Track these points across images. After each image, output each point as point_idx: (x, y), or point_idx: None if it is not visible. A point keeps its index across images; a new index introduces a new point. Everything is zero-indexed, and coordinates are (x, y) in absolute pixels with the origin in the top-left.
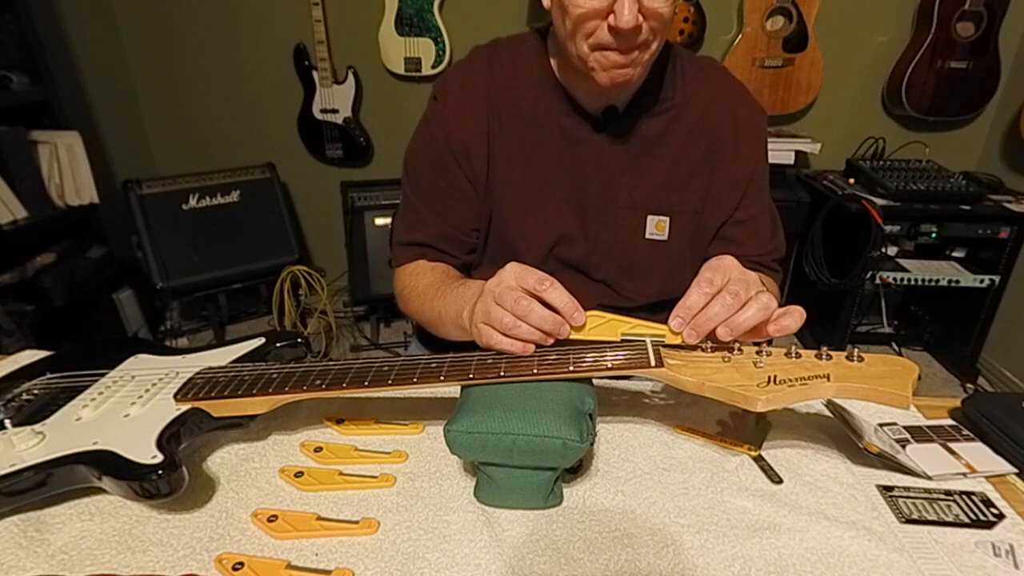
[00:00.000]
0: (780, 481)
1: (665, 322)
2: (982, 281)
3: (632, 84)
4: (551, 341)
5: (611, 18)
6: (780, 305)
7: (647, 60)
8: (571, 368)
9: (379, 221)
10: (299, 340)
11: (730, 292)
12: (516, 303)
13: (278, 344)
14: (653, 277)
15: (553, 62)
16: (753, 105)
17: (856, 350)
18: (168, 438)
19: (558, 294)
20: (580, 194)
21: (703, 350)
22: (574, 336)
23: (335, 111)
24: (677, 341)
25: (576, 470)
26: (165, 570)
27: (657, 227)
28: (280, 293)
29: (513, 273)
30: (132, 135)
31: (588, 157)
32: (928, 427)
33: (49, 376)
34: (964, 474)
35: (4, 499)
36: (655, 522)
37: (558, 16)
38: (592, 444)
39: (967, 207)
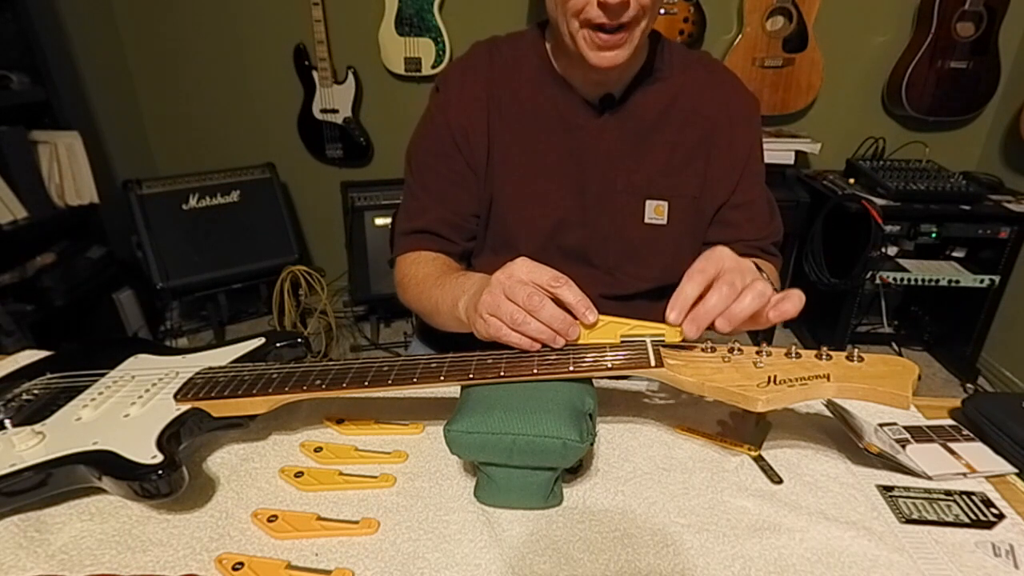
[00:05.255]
0: (780, 481)
1: (664, 311)
2: (982, 281)
3: (624, 67)
4: (561, 343)
5: None
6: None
7: (636, 41)
8: (571, 368)
9: (379, 221)
10: (299, 340)
11: (726, 282)
12: (529, 297)
13: (278, 344)
14: (653, 262)
15: (551, 52)
16: (747, 93)
17: (856, 350)
18: (168, 438)
19: (572, 292)
20: (579, 180)
21: (703, 350)
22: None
23: (335, 111)
24: (677, 340)
25: (576, 470)
26: (165, 570)
27: (656, 211)
28: (280, 293)
29: (525, 268)
30: (132, 135)
31: (587, 143)
32: (928, 427)
33: (49, 376)
34: (964, 474)
35: (4, 499)
36: (655, 522)
37: None
38: (592, 444)
39: (967, 207)
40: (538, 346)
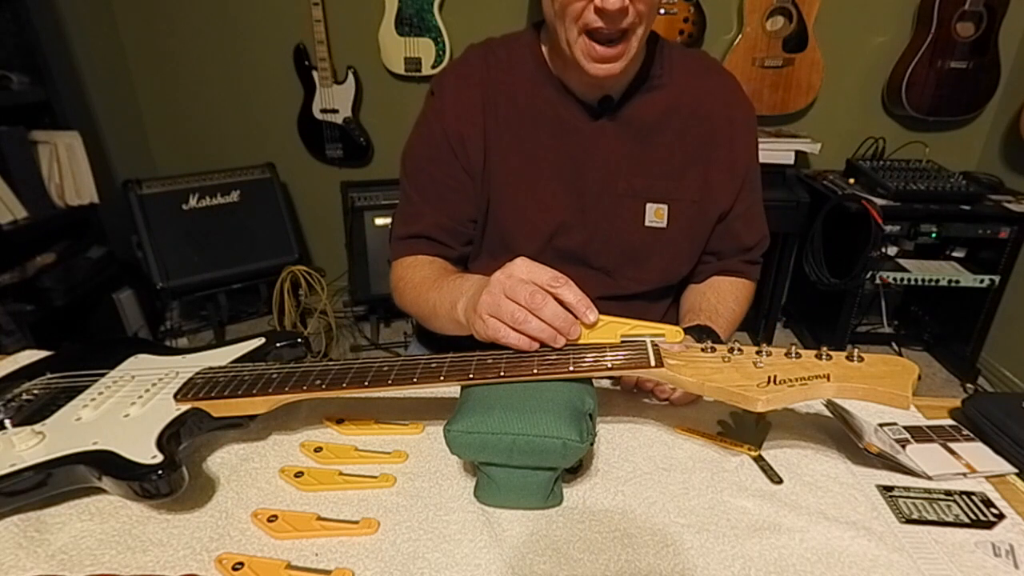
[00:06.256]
0: (780, 481)
1: (664, 310)
2: (982, 281)
3: (622, 72)
4: (562, 342)
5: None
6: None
7: (633, 51)
8: (571, 368)
9: (379, 221)
10: (299, 340)
11: None
12: (531, 296)
13: (278, 344)
14: (652, 264)
15: (547, 54)
16: (745, 98)
17: (856, 350)
18: (168, 438)
19: (572, 291)
20: (578, 183)
21: (703, 350)
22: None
23: (335, 111)
24: (677, 340)
25: (576, 470)
26: (165, 570)
27: (656, 215)
28: (280, 293)
29: (524, 268)
30: (132, 135)
31: (585, 146)
32: (928, 427)
33: (49, 376)
34: (964, 474)
35: (4, 499)
36: (655, 522)
37: (547, 0)
38: (592, 444)
39: (967, 207)
40: (537, 345)
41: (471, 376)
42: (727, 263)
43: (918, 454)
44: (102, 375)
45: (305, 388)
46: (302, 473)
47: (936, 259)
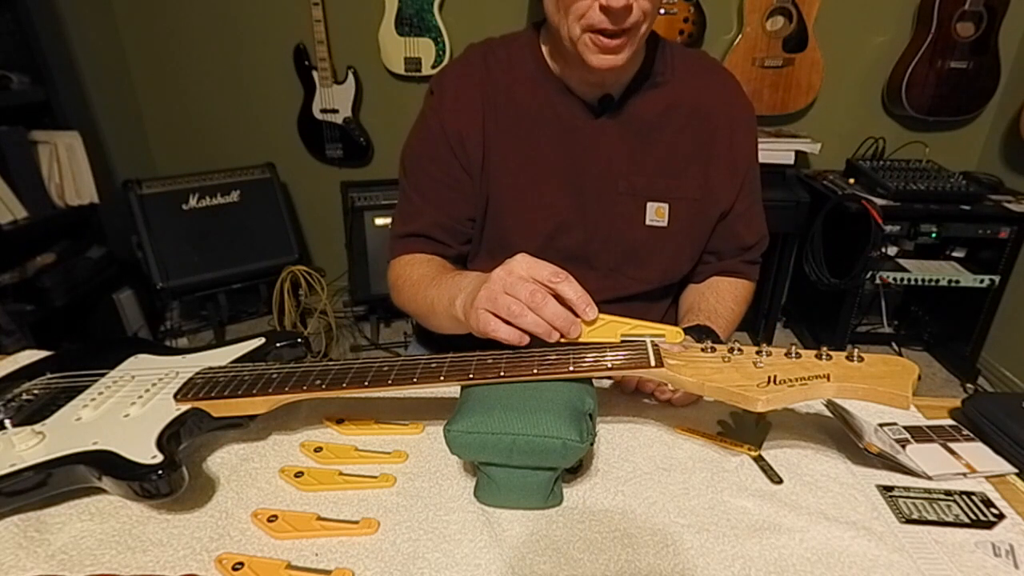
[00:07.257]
0: (780, 481)
1: (664, 310)
2: (982, 281)
3: (622, 69)
4: (556, 337)
5: None
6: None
7: (636, 44)
8: (571, 368)
9: (379, 221)
10: (299, 340)
11: None
12: (532, 295)
13: (278, 344)
14: (653, 263)
15: (547, 53)
16: (745, 98)
17: (856, 350)
18: (168, 438)
19: (572, 287)
20: (578, 181)
21: (703, 350)
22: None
23: (335, 111)
24: (678, 341)
25: (576, 470)
26: (165, 570)
27: (657, 213)
28: (280, 293)
29: (524, 264)
30: (132, 135)
31: (585, 145)
32: (928, 427)
33: (49, 376)
34: (964, 474)
35: (4, 499)
36: (655, 522)
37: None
38: (592, 444)
39: (967, 207)
40: (527, 339)
41: (471, 376)
42: (727, 263)
43: (918, 454)
44: (102, 375)
45: (305, 388)
46: (302, 473)
47: (936, 259)
